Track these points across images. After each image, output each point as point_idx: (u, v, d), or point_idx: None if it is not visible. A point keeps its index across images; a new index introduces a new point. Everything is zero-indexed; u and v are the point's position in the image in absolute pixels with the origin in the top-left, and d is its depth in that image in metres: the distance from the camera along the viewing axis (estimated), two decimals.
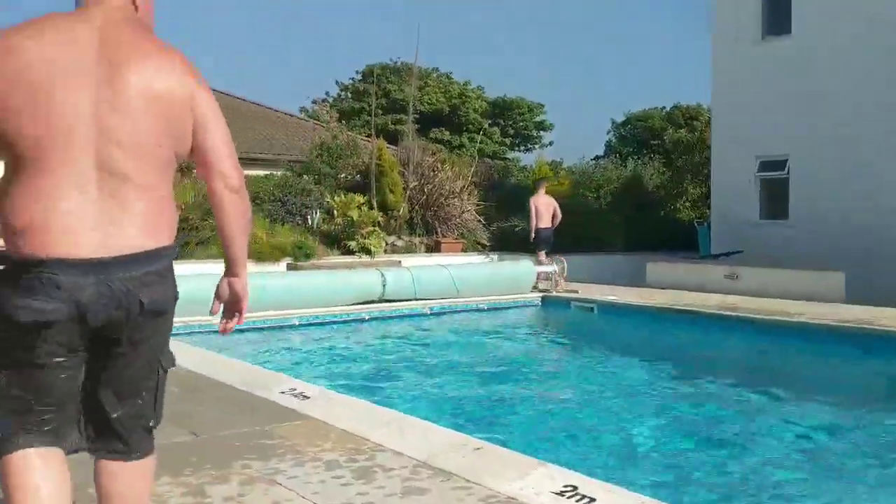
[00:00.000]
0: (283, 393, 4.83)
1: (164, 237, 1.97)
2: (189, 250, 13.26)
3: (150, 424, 2.12)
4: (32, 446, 1.94)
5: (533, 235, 13.33)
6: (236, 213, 2.09)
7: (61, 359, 1.92)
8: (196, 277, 9.90)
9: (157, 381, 2.09)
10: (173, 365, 2.15)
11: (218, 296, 2.24)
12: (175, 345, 6.40)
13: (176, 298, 2.07)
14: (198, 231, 13.33)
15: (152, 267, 1.93)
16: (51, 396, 1.96)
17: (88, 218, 1.85)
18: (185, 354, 6.31)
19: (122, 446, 2.05)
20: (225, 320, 2.27)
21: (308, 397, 4.73)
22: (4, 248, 1.88)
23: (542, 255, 13.18)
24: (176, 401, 4.68)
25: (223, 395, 4.90)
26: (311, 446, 3.72)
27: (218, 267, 9.23)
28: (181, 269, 8.45)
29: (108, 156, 1.87)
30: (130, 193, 1.90)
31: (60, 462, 1.99)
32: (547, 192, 13.97)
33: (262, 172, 17.77)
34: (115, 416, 2.02)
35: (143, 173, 1.92)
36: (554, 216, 13.51)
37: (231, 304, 2.25)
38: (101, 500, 2.07)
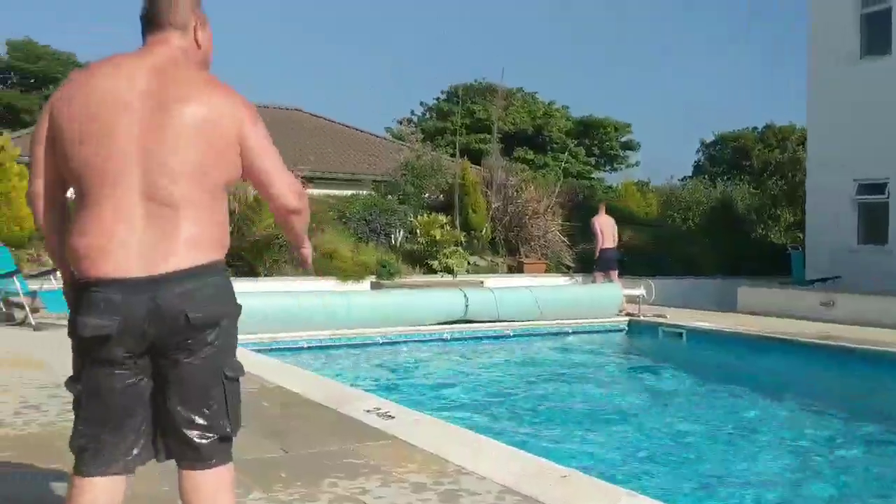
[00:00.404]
0: (368, 412, 4.87)
1: (209, 256, 2.10)
2: (279, 267, 13.59)
3: (226, 432, 2.18)
4: (100, 473, 2.12)
5: (597, 255, 13.12)
6: (300, 227, 2.35)
7: (125, 371, 2.08)
8: (284, 295, 10.15)
9: (225, 390, 2.17)
10: (241, 374, 2.23)
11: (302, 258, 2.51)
12: (264, 361, 6.55)
13: (229, 312, 2.17)
14: (287, 249, 13.63)
15: (197, 283, 2.06)
16: (120, 411, 2.11)
17: (139, 241, 2.02)
18: (275, 371, 6.46)
19: (198, 455, 2.14)
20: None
21: (392, 417, 4.75)
22: (72, 272, 2.12)
23: (601, 276, 13.02)
24: (267, 416, 4.79)
25: (311, 412, 4.97)
26: (396, 467, 3.73)
27: (306, 284, 9.40)
28: (269, 286, 8.67)
29: (156, 185, 2.04)
30: (177, 218, 2.05)
31: (118, 488, 2.15)
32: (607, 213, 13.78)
33: (348, 192, 18.10)
34: (187, 425, 2.12)
35: (189, 199, 2.07)
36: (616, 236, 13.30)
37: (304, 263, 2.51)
38: None
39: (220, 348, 2.14)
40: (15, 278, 9.43)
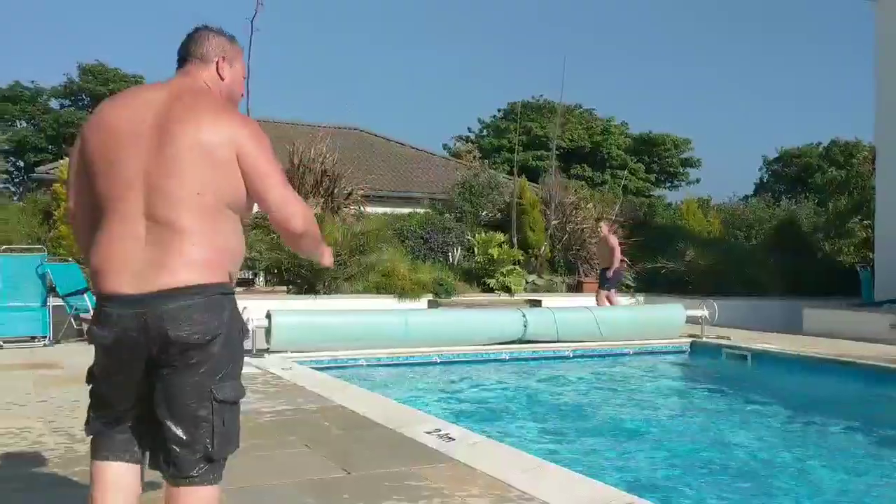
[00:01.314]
0: (428, 433, 4.86)
1: (203, 277, 2.17)
2: (338, 285, 13.72)
3: (209, 453, 2.21)
4: (108, 459, 2.32)
5: (611, 274, 13.00)
6: (307, 248, 2.49)
7: (124, 382, 2.26)
8: (342, 313, 10.23)
9: (213, 410, 2.21)
10: (233, 398, 2.25)
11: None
12: (325, 379, 6.59)
13: (218, 333, 2.20)
14: (346, 267, 13.75)
15: (183, 303, 2.14)
16: (119, 415, 2.32)
17: (136, 260, 2.16)
18: (336, 389, 6.51)
19: (177, 471, 2.21)
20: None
21: (453, 439, 4.74)
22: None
23: (614, 295, 12.81)
24: (329, 436, 4.83)
25: (372, 432, 4.98)
26: (457, 490, 3.71)
27: (364, 302, 9.51)
28: (331, 304, 8.73)
29: (155, 207, 2.17)
30: (172, 239, 2.16)
31: (125, 476, 2.33)
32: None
33: (405, 210, 18.22)
34: (172, 439, 2.20)
35: (185, 220, 2.17)
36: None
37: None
38: None
39: (208, 369, 2.20)
40: (85, 295, 9.72)
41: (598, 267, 13.32)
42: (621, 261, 13.41)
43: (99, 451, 2.34)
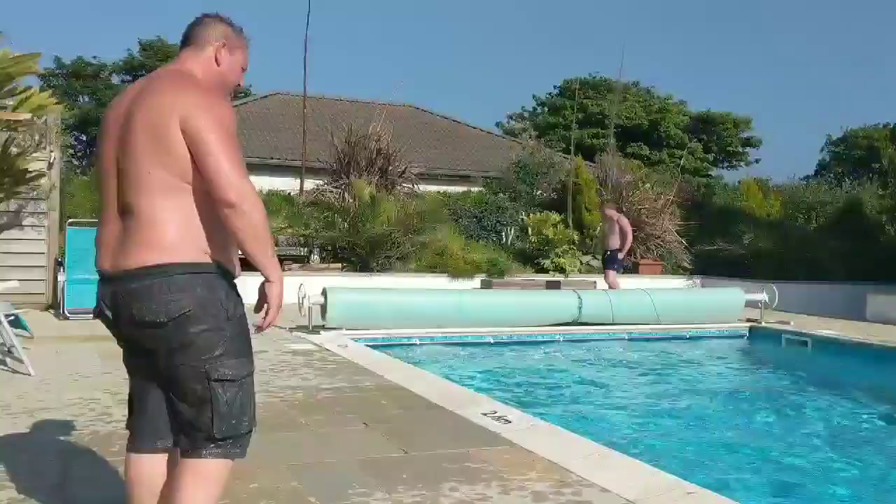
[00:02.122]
0: (485, 415, 4.86)
1: (165, 256, 2.18)
2: (391, 263, 13.79)
3: (211, 432, 2.25)
4: (139, 452, 2.42)
5: (623, 255, 12.71)
6: (236, 227, 2.19)
7: (136, 358, 2.37)
8: (395, 292, 10.28)
9: (210, 390, 2.24)
10: (231, 376, 2.26)
11: (259, 299, 2.36)
12: (382, 359, 6.63)
13: (189, 310, 2.18)
14: (399, 247, 13.81)
15: (144, 282, 2.18)
16: (136, 387, 2.44)
17: (110, 242, 2.27)
18: (392, 369, 6.55)
19: (188, 445, 2.30)
20: (263, 322, 2.36)
21: (509, 421, 4.73)
22: None
23: (616, 278, 12.55)
24: (386, 416, 4.86)
25: (429, 412, 5.01)
26: (515, 474, 3.71)
27: (417, 281, 9.57)
28: (384, 281, 8.80)
29: (123, 192, 2.24)
30: (135, 219, 2.21)
31: (157, 470, 2.42)
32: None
33: (459, 189, 18.18)
34: (178, 416, 2.30)
35: (140, 201, 2.20)
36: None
37: (261, 303, 2.35)
38: (162, 493, 2.40)
39: (194, 349, 2.21)
40: None
41: (608, 248, 12.96)
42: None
43: (129, 443, 2.47)
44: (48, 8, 62.03)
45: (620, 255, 12.74)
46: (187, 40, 2.46)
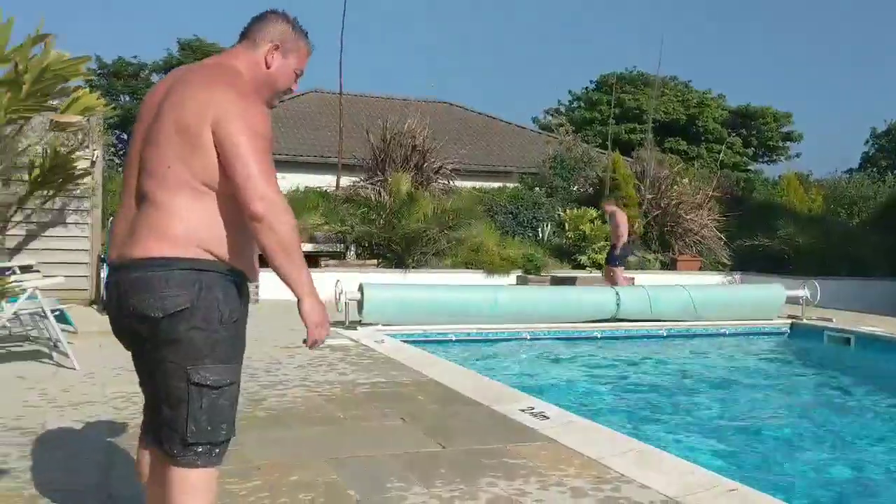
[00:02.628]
0: (522, 411, 4.86)
1: (171, 250, 2.12)
2: (427, 259, 13.82)
3: (185, 437, 2.16)
4: (144, 445, 2.42)
5: (619, 251, 12.31)
6: (266, 242, 2.11)
7: (138, 351, 2.30)
8: (431, 288, 10.28)
9: (189, 393, 2.15)
10: (212, 382, 2.16)
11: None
12: (418, 354, 6.64)
13: (188, 306, 2.11)
14: (434, 243, 13.83)
15: (144, 273, 2.12)
16: (141, 384, 2.37)
17: (122, 231, 2.23)
18: (429, 364, 6.57)
19: (163, 448, 2.23)
20: (311, 343, 2.30)
21: (547, 417, 4.72)
22: None
23: (620, 273, 12.22)
24: (424, 411, 4.88)
25: (466, 408, 5.01)
26: (554, 470, 3.70)
27: (452, 277, 9.54)
28: (420, 278, 8.80)
29: (142, 182, 2.19)
30: (147, 210, 2.16)
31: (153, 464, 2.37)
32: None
33: (495, 184, 18.15)
34: (159, 416, 2.22)
35: (156, 193, 2.14)
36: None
37: (309, 333, 2.27)
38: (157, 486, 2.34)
39: (182, 348, 2.13)
40: None
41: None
42: (630, 236, 12.80)
43: (140, 437, 2.47)
44: (90, 9, 63.18)
45: (616, 251, 12.48)
46: (245, 34, 2.37)
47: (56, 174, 2.03)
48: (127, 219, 2.22)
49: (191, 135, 2.11)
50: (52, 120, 1.96)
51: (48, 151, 2.25)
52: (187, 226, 2.13)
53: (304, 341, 2.25)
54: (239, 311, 2.24)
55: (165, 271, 2.11)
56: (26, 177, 9.31)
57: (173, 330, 2.12)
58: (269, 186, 2.10)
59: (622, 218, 12.41)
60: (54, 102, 2.13)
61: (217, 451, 2.22)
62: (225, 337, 2.18)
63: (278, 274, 2.15)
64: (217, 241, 2.16)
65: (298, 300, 2.20)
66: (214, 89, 2.15)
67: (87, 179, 9.41)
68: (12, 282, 2.69)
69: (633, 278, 13.29)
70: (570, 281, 13.27)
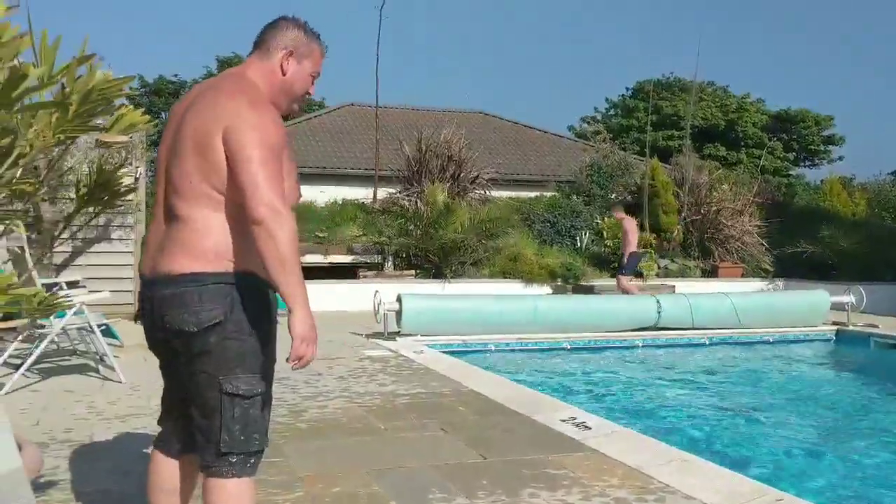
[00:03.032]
0: (563, 421, 4.83)
1: (198, 265, 2.16)
2: (464, 269, 13.82)
3: (219, 447, 2.19)
4: (162, 450, 2.46)
5: (627, 259, 12.31)
6: (263, 248, 2.09)
7: (167, 361, 2.39)
8: (470, 298, 10.27)
9: (222, 403, 2.19)
10: (244, 392, 2.19)
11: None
12: (458, 365, 6.61)
13: (221, 320, 2.16)
14: (472, 252, 13.83)
15: (177, 289, 2.17)
16: (166, 394, 2.49)
17: (154, 245, 2.28)
18: (469, 375, 6.56)
19: (200, 459, 2.27)
20: (296, 363, 2.20)
21: (589, 427, 4.68)
22: None
23: (629, 282, 12.13)
24: (464, 422, 4.87)
25: (507, 419, 4.99)
26: (597, 480, 3.67)
27: (490, 287, 9.54)
28: (458, 288, 8.80)
29: (167, 195, 2.25)
30: (175, 225, 2.21)
31: (174, 470, 2.43)
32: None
33: (531, 193, 18.12)
34: (195, 427, 2.26)
35: (181, 207, 2.19)
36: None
37: (295, 350, 2.19)
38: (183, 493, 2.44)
39: (214, 360, 2.18)
40: None
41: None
42: (641, 246, 12.75)
43: (157, 440, 2.52)
44: (132, 29, 64.52)
45: (625, 260, 12.44)
46: (258, 43, 2.39)
47: (102, 191, 2.08)
48: (158, 232, 2.28)
49: (205, 145, 2.15)
50: (97, 139, 2.00)
51: (94, 169, 2.30)
52: (216, 240, 2.17)
53: (287, 360, 2.17)
54: (268, 321, 2.28)
55: (197, 287, 2.16)
56: (72, 194, 9.49)
57: (206, 342, 2.17)
58: (274, 194, 2.10)
59: (630, 225, 12.42)
60: (99, 122, 2.17)
61: (252, 461, 2.24)
62: (255, 347, 2.22)
63: (272, 282, 2.14)
64: (242, 253, 2.19)
65: (289, 311, 2.15)
66: (226, 99, 2.19)
67: (130, 196, 9.61)
68: (62, 297, 2.76)
69: (638, 286, 13.20)
70: (589, 290, 13.23)
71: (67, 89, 1.71)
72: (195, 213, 2.17)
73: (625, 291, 11.97)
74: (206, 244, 2.17)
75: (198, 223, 2.17)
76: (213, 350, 2.17)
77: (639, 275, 14.65)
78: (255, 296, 2.22)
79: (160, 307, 2.21)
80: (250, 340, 2.21)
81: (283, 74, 2.36)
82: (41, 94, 1.77)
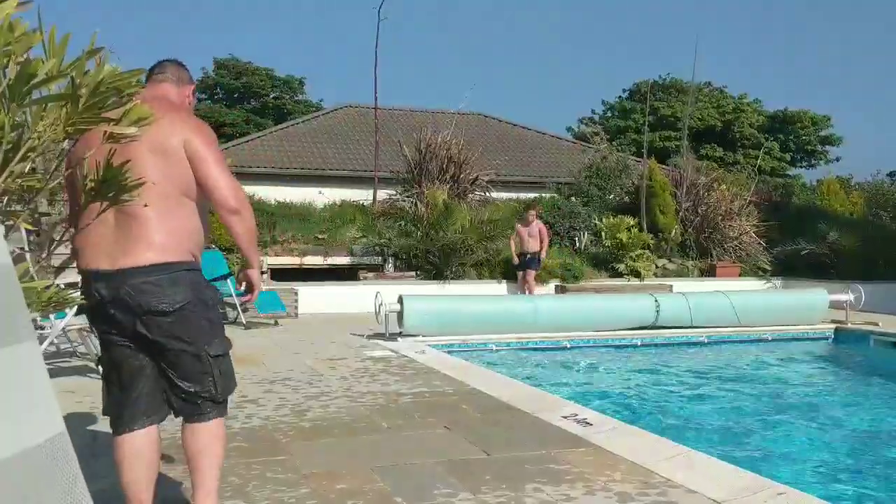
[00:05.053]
0: (565, 418, 4.85)
1: (163, 256, 2.58)
2: (465, 270, 13.83)
3: (215, 396, 2.76)
4: (132, 430, 2.74)
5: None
6: (239, 230, 2.76)
7: (120, 340, 2.68)
8: (471, 298, 10.29)
9: (212, 365, 2.73)
10: (223, 351, 2.78)
11: (240, 280, 3.03)
12: (460, 364, 6.63)
13: (190, 299, 2.63)
14: (472, 254, 13.84)
15: (149, 277, 2.57)
16: (124, 373, 2.73)
17: (106, 243, 2.58)
18: (471, 374, 6.58)
19: (196, 410, 2.75)
20: (247, 296, 3.01)
21: (590, 424, 4.70)
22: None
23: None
24: (467, 419, 4.88)
25: (509, 416, 5.01)
26: (599, 475, 3.68)
27: (490, 288, 9.61)
28: (459, 289, 8.86)
29: None
30: (136, 225, 2.56)
31: (151, 441, 2.78)
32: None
33: (530, 195, 18.12)
34: (187, 390, 2.72)
35: (145, 209, 2.53)
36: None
37: (249, 287, 2.99)
38: (188, 456, 2.79)
39: (193, 333, 2.67)
40: (228, 281, 10.22)
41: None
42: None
43: (118, 426, 2.77)
44: (129, 28, 64.52)
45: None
46: (156, 72, 2.96)
47: (109, 186, 2.12)
48: (104, 231, 2.58)
49: (172, 154, 2.61)
50: (105, 132, 2.03)
51: (100, 163, 2.34)
52: (174, 233, 2.62)
53: (241, 294, 2.99)
54: (214, 296, 2.86)
55: (168, 274, 2.59)
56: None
57: (183, 320, 2.64)
58: (237, 187, 2.73)
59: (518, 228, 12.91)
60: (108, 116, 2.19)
61: (227, 400, 2.86)
62: (216, 318, 2.82)
63: (246, 252, 2.85)
64: (196, 245, 2.72)
65: (250, 268, 2.92)
66: (170, 118, 2.63)
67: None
68: (73, 292, 2.86)
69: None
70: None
71: (78, 82, 1.73)
72: (161, 212, 2.61)
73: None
74: (169, 238, 2.62)
75: (159, 220, 2.61)
76: (190, 327, 2.66)
77: (636, 274, 14.68)
78: (201, 277, 2.75)
79: (134, 295, 2.57)
80: (213, 313, 2.79)
81: (190, 101, 3.01)
82: (50, 88, 1.79)
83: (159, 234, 2.58)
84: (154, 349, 2.68)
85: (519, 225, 13.02)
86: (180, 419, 2.83)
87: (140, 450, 2.75)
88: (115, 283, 2.57)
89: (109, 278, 2.58)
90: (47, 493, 1.14)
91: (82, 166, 2.50)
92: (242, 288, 3.04)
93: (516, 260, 12.91)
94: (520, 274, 12.94)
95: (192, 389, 2.71)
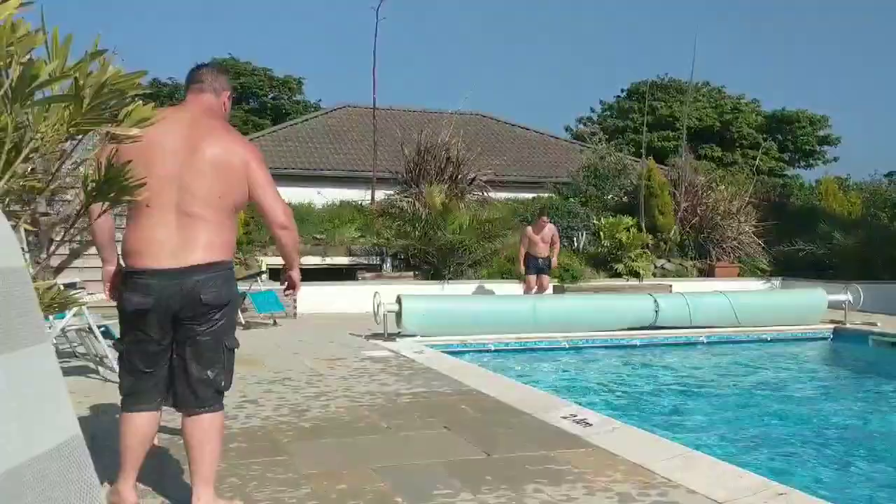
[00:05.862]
0: (564, 418, 4.85)
1: (219, 256, 2.95)
2: (463, 270, 13.82)
3: (222, 387, 3.03)
4: (140, 410, 3.01)
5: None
6: (287, 241, 3.16)
7: (156, 335, 2.95)
8: (470, 298, 10.26)
9: (224, 357, 3.03)
10: (236, 347, 3.09)
11: (283, 280, 3.39)
12: (459, 365, 6.63)
13: (231, 298, 3.02)
14: (470, 253, 13.84)
15: (209, 274, 2.91)
16: (151, 362, 2.99)
17: (170, 243, 2.88)
18: (470, 375, 6.58)
19: (200, 402, 2.98)
20: (290, 292, 3.42)
21: (590, 424, 4.70)
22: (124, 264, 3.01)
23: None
24: (467, 420, 4.89)
25: (509, 417, 5.01)
26: (600, 476, 3.69)
27: (489, 288, 9.58)
28: (453, 289, 8.93)
29: (186, 203, 2.89)
30: (198, 226, 2.91)
31: (154, 421, 3.08)
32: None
33: (529, 195, 18.12)
34: (197, 379, 2.96)
35: (208, 214, 2.91)
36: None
37: (291, 286, 3.37)
38: (188, 446, 3.01)
39: (224, 325, 3.01)
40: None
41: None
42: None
43: (130, 403, 3.03)
44: (125, 31, 64.49)
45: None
46: (202, 83, 3.24)
47: (111, 187, 2.11)
48: (170, 232, 2.89)
49: (231, 172, 2.97)
50: (107, 133, 2.03)
51: (102, 164, 2.34)
52: (225, 238, 2.99)
53: (287, 289, 3.40)
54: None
55: (223, 271, 2.97)
56: (69, 196, 9.45)
57: (223, 312, 2.99)
58: (284, 204, 3.12)
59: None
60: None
61: (224, 396, 3.09)
62: (235, 313, 3.14)
63: (290, 259, 3.26)
64: (234, 248, 3.09)
65: (291, 269, 3.32)
66: (230, 138, 3.06)
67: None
68: (74, 293, 2.92)
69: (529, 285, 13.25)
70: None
71: (81, 83, 1.73)
72: (218, 219, 2.97)
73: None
74: (224, 241, 2.99)
75: (220, 226, 2.97)
76: (225, 316, 3.01)
77: (635, 274, 14.69)
78: (235, 277, 3.11)
79: (194, 289, 2.88)
80: (235, 309, 3.13)
81: (225, 109, 3.30)
82: (53, 89, 1.79)
83: (219, 237, 2.95)
84: (187, 336, 2.96)
85: (530, 229, 12.79)
86: (180, 419, 3.03)
87: (143, 426, 3.04)
88: (181, 279, 2.87)
89: (174, 275, 2.87)
90: (61, 501, 1.13)
91: (147, 166, 2.75)
92: (285, 285, 3.40)
93: (523, 269, 12.52)
94: (531, 277, 12.69)
95: (205, 377, 2.97)
